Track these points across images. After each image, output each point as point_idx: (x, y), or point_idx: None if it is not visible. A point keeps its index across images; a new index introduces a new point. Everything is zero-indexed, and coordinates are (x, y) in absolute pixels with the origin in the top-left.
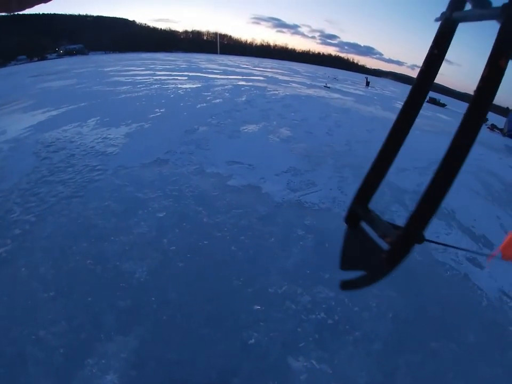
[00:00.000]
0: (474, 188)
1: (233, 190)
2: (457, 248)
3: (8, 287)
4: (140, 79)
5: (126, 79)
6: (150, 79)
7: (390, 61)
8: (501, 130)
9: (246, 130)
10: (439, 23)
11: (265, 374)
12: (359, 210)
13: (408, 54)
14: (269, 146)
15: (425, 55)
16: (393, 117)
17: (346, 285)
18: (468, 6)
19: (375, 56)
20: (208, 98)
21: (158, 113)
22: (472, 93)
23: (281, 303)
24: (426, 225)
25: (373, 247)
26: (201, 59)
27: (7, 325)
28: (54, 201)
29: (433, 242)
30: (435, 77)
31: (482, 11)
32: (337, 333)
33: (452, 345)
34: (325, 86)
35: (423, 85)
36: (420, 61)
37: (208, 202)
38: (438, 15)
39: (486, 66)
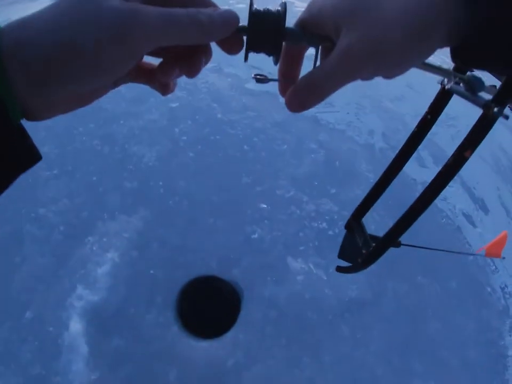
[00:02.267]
0: (483, 157)
1: (250, 93)
2: (436, 249)
3: None
4: None
5: None
6: None
7: None
8: None
9: None
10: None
11: (264, 269)
12: (353, 223)
13: None
14: None
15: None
16: None
17: (339, 269)
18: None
19: None
20: None
21: None
22: None
23: (287, 206)
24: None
25: (358, 250)
26: None
27: (3, 203)
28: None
29: (410, 246)
30: (424, 137)
31: (472, 95)
32: (336, 245)
33: (435, 286)
34: None
35: (412, 144)
36: None
37: (223, 100)
38: None
39: (453, 155)
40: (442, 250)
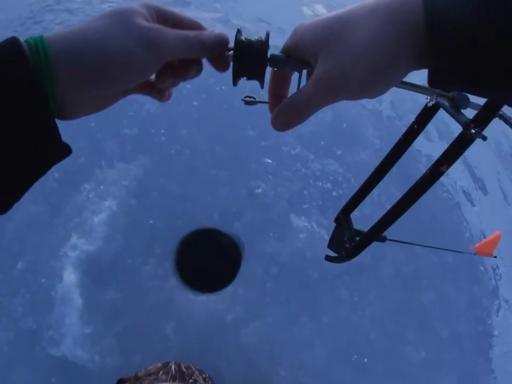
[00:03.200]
0: (487, 140)
1: None
2: (423, 246)
3: None
4: None
5: None
6: None
7: None
8: None
9: None
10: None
11: (267, 225)
12: (342, 218)
13: None
14: (303, 16)
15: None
16: None
17: (327, 258)
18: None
19: None
20: None
21: None
22: None
23: (292, 163)
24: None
25: (343, 242)
26: None
27: None
28: (59, 29)
29: (396, 241)
30: (410, 146)
31: (455, 112)
32: (339, 206)
33: (432, 257)
34: None
35: (398, 151)
36: None
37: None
38: None
39: (430, 168)
40: (431, 247)
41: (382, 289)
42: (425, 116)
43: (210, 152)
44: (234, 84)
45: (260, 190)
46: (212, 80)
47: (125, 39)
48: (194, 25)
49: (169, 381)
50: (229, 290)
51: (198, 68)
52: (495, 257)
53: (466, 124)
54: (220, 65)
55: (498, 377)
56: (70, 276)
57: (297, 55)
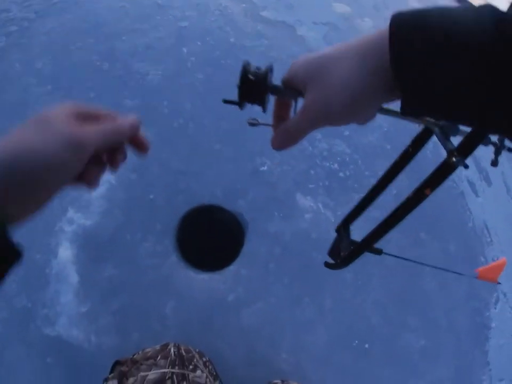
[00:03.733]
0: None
1: (266, 21)
2: (421, 264)
3: None
4: None
5: None
6: None
7: None
8: None
9: None
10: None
11: (271, 203)
12: (342, 228)
13: None
14: None
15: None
16: None
17: (326, 264)
18: None
19: None
20: None
21: None
22: None
23: (299, 142)
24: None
25: (340, 251)
26: None
27: None
28: None
29: (390, 255)
30: (406, 166)
31: (444, 139)
32: (346, 188)
33: (435, 245)
34: None
35: (394, 172)
36: None
37: (237, 25)
38: None
39: (415, 191)
40: (428, 265)
41: (386, 274)
42: (420, 140)
43: (215, 126)
44: (241, 108)
45: (265, 168)
46: (217, 53)
47: (50, 145)
48: (110, 116)
49: (168, 367)
50: (231, 269)
51: (123, 153)
52: (499, 283)
53: (450, 152)
54: (139, 146)
55: (493, 370)
56: (65, 252)
57: (293, 86)
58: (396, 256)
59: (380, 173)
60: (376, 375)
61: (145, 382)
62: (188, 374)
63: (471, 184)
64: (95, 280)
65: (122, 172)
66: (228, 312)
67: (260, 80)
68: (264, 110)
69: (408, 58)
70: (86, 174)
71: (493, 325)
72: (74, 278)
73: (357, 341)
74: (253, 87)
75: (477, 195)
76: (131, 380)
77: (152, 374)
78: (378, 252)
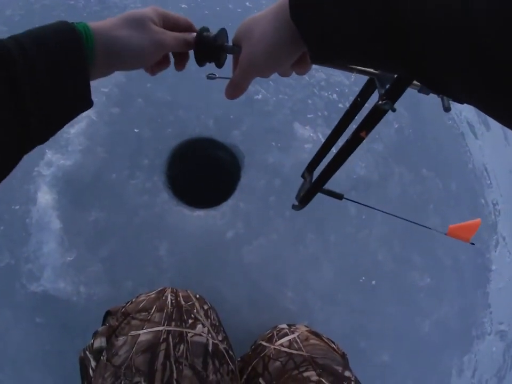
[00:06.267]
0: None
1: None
2: (397, 217)
3: None
4: None
5: None
6: None
7: None
8: None
9: None
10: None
11: (268, 133)
12: (306, 174)
13: None
14: None
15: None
16: None
17: (293, 206)
18: None
19: None
20: None
21: None
22: None
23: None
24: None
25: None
26: None
27: None
28: None
29: (352, 201)
30: (355, 116)
31: (380, 87)
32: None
33: (437, 182)
34: None
35: (347, 120)
36: None
37: None
38: None
39: (352, 134)
40: (396, 216)
41: (389, 208)
42: (366, 90)
43: None
44: (199, 65)
45: (259, 96)
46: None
47: (141, 39)
48: (187, 26)
49: (164, 324)
50: (228, 204)
51: (188, 57)
52: (473, 244)
53: (380, 96)
54: (185, 60)
55: (494, 312)
56: (45, 197)
57: (238, 44)
58: (356, 202)
59: None
60: (383, 313)
61: (135, 344)
62: (187, 333)
63: (471, 126)
64: (79, 225)
65: (103, 106)
66: (227, 250)
67: (210, 41)
68: (219, 66)
69: (302, 9)
70: (155, 66)
71: (493, 267)
72: (56, 224)
73: (364, 278)
74: (204, 46)
75: (476, 137)
76: (121, 340)
77: (144, 334)
78: (339, 196)
